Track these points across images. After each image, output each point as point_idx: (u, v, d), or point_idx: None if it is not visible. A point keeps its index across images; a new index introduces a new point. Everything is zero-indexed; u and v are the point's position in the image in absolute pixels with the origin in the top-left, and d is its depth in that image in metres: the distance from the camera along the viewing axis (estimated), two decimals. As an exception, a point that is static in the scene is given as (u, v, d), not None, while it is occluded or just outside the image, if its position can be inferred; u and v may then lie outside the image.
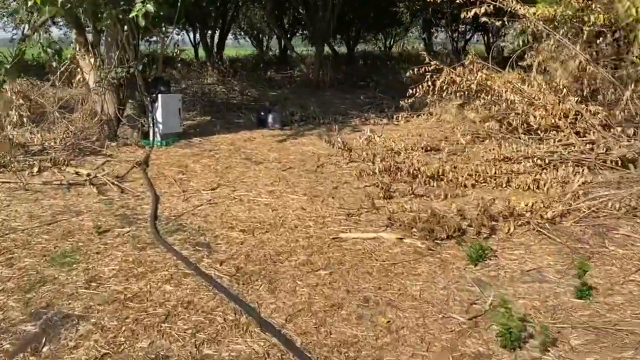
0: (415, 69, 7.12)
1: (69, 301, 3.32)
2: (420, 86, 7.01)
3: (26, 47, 7.26)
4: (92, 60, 7.80)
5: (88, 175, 6.12)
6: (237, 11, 23.67)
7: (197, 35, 25.10)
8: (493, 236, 4.33)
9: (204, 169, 6.67)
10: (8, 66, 6.95)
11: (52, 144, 7.26)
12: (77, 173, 6.31)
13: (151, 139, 8.01)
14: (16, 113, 6.84)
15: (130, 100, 8.24)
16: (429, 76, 6.94)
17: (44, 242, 4.31)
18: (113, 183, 5.88)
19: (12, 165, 6.39)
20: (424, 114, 9.49)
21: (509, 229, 4.40)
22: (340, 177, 6.25)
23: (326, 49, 27.25)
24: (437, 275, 3.66)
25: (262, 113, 9.92)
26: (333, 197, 5.45)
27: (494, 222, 4.49)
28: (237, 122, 10.45)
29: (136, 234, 4.49)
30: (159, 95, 8.00)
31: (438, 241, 4.17)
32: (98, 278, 3.65)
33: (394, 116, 9.94)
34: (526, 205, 4.53)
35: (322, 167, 6.76)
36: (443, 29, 26.83)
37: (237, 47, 32.78)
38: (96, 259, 3.96)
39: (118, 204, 5.31)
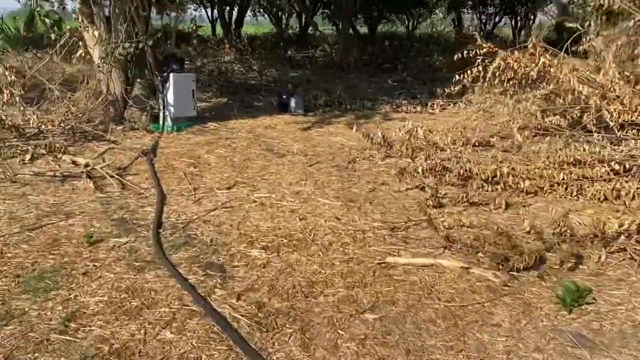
0: (463, 53, 6.12)
1: (35, 354, 2.47)
2: (468, 72, 6.03)
3: (30, 16, 6.38)
4: (96, 33, 6.90)
5: (86, 165, 5.26)
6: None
7: (215, 12, 24.15)
8: (580, 267, 3.41)
9: (219, 161, 5.78)
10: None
11: (50, 126, 6.41)
12: (74, 162, 5.46)
13: (161, 123, 7.13)
14: (7, 91, 5.99)
15: (138, 80, 7.34)
16: (480, 60, 5.95)
17: (22, 255, 3.46)
18: (113, 176, 5.01)
19: (2, 152, 5.56)
20: (462, 102, 8.49)
21: (599, 257, 3.48)
22: (377, 177, 5.33)
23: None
24: (522, 327, 2.75)
25: (284, 96, 8.99)
26: (371, 203, 4.54)
27: (580, 248, 3.57)
28: (256, 105, 9.53)
29: (135, 246, 3.63)
30: (171, 75, 7.10)
31: (514, 273, 3.26)
32: (79, 315, 2.79)
33: (428, 104, 8.98)
34: (620, 226, 3.59)
35: (354, 162, 5.85)
36: (470, 11, 25.62)
37: (256, 24, 31.75)
38: (81, 284, 3.11)
39: (117, 203, 4.45)
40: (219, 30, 23.21)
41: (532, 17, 24.24)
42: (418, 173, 5.15)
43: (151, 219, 4.09)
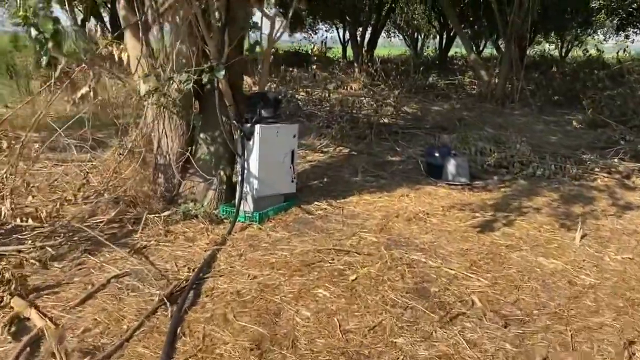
0: None
1: None
2: None
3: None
4: (142, 54, 4.07)
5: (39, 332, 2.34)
6: (394, 4, 19.57)
7: (347, 33, 21.47)
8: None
9: (316, 328, 2.62)
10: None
11: (45, 215, 3.63)
12: (27, 319, 2.57)
13: (236, 204, 4.10)
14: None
15: (202, 135, 4.39)
16: None
17: None
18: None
19: None
20: None
21: None
22: None
23: (489, 50, 22.01)
24: None
25: (436, 154, 5.67)
26: None
27: None
28: (391, 162, 6.29)
29: None
30: (257, 127, 4.09)
31: None
32: None
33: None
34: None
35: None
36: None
37: (388, 46, 28.67)
38: None
39: None
40: (350, 52, 20.44)
41: None
42: None
43: None
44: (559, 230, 4.10)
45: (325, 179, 5.28)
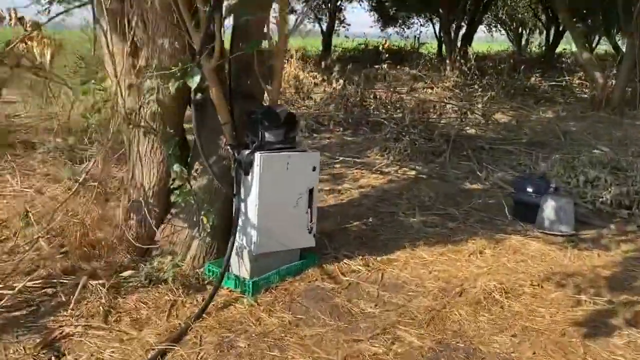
0: None
1: None
2: None
3: None
4: (119, 50, 2.95)
5: None
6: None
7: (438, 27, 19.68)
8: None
9: None
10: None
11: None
12: None
13: (223, 265, 2.85)
14: None
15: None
16: None
17: None
18: None
19: None
20: None
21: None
22: None
23: (603, 47, 18.92)
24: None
25: (528, 190, 4.12)
26: None
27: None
28: (467, 191, 4.79)
29: None
30: (257, 156, 2.82)
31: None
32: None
33: None
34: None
35: None
36: None
37: (490, 41, 26.24)
38: None
39: None
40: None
41: None
42: None
43: None
44: None
45: (371, 219, 3.91)
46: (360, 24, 23.75)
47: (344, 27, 21.51)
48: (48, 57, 2.34)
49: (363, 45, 19.75)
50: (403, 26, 23.67)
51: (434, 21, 21.85)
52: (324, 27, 20.57)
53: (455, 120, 7.53)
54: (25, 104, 5.83)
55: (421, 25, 23.85)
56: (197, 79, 2.57)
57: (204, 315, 2.57)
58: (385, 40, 12.49)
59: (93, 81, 2.56)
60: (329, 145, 6.47)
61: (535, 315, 2.71)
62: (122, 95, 2.82)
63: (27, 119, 6.13)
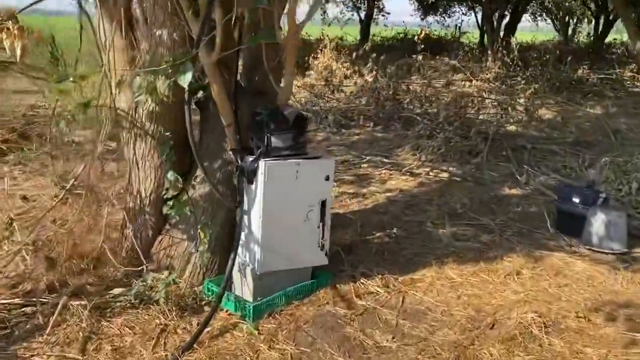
0: None
1: None
2: None
3: None
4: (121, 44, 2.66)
5: None
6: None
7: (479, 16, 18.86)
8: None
9: None
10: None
11: None
12: None
13: (222, 285, 2.54)
14: None
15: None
16: None
17: None
18: None
19: None
20: None
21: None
22: None
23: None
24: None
25: (574, 200, 3.66)
26: None
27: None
28: (505, 197, 4.35)
29: None
30: (262, 164, 2.49)
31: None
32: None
33: None
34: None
35: None
36: None
37: (535, 30, 25.12)
38: None
39: None
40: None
41: None
42: None
43: None
44: None
45: (395, 230, 3.52)
46: (399, 12, 23.16)
47: (383, 15, 21.00)
48: (18, 51, 2.05)
49: (402, 35, 19.19)
50: (444, 15, 22.90)
51: (476, 10, 21.03)
52: (362, 15, 20.08)
53: (494, 116, 7.01)
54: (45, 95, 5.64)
55: (463, 13, 23.06)
56: (189, 76, 2.24)
57: (195, 345, 2.26)
58: (422, 30, 11.85)
59: (71, 78, 2.24)
60: (357, 142, 6.09)
61: (581, 358, 2.30)
62: (112, 92, 2.51)
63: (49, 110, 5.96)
